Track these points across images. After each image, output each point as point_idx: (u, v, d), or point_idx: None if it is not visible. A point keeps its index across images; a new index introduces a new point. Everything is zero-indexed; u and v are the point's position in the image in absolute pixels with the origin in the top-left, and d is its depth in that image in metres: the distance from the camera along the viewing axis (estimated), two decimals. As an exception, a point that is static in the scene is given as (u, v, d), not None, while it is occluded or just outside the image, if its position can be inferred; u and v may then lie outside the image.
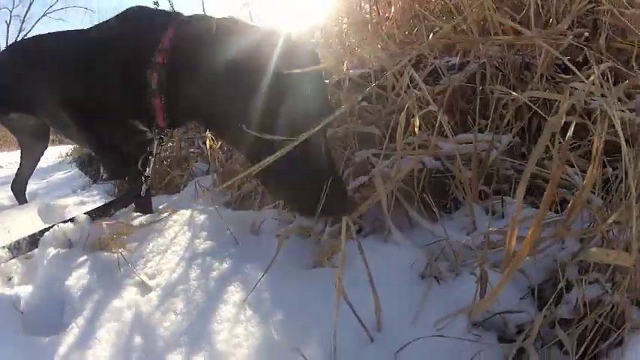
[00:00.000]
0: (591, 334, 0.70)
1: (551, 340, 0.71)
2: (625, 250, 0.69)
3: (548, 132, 0.67)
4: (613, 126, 0.70)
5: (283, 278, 0.89)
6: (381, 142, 1.13)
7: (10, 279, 1.05)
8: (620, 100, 0.96)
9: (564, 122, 0.71)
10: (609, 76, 0.87)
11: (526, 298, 0.80)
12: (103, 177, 2.58)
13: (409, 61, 1.16)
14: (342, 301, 0.69)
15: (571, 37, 1.13)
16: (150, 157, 1.28)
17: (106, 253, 1.00)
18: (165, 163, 1.87)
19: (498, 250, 0.86)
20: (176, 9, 1.49)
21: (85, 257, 0.99)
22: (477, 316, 0.76)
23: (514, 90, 1.15)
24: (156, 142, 1.28)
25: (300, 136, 0.74)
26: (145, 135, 1.28)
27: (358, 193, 1.12)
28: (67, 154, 5.63)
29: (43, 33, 1.61)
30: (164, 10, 1.34)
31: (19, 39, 9.77)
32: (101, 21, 1.39)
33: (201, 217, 1.14)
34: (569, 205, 0.77)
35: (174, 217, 1.16)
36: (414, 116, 1.00)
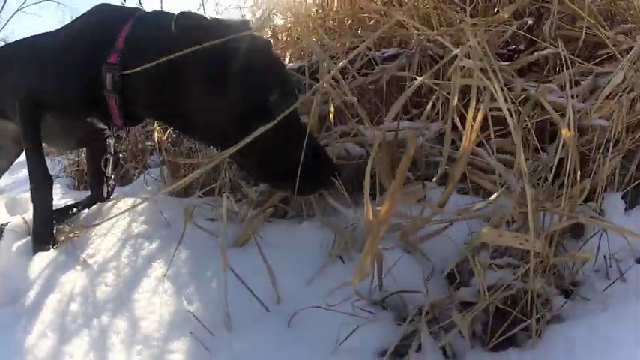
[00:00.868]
0: (502, 321, 0.72)
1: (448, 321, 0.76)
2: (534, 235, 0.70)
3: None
4: (547, 111, 0.80)
5: (205, 255, 1.03)
6: (318, 132, 1.21)
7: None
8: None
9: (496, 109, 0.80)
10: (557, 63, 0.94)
11: (433, 280, 0.88)
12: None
13: (344, 53, 1.26)
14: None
15: (515, 26, 1.20)
16: (109, 157, 1.33)
17: (61, 238, 1.17)
18: (121, 156, 1.98)
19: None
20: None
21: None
22: (376, 294, 0.85)
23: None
24: (112, 141, 1.32)
25: (278, 118, 0.69)
26: (103, 134, 1.31)
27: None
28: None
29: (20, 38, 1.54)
30: (127, 7, 1.33)
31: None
32: (74, 17, 1.35)
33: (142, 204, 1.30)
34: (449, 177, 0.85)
35: (119, 204, 1.31)
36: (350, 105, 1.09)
